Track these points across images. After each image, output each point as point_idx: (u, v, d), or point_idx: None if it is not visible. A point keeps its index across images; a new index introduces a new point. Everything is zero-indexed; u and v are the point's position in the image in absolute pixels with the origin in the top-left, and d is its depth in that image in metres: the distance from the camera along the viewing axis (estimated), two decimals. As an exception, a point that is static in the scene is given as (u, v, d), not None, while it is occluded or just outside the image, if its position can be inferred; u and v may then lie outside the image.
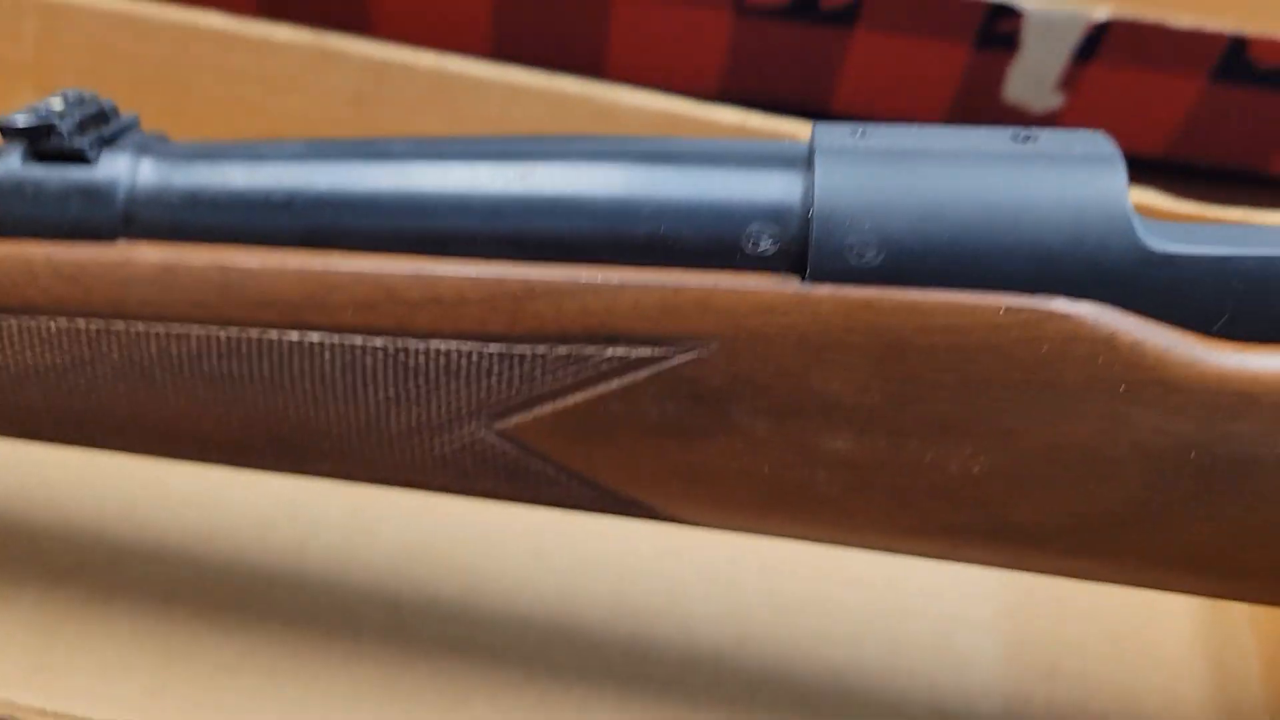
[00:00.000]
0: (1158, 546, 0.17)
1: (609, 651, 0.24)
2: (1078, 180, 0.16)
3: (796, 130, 0.29)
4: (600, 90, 0.30)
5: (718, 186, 0.17)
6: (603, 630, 0.25)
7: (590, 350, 0.17)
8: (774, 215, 0.17)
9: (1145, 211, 0.29)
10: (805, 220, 0.17)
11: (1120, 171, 0.16)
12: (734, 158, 0.18)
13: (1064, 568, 0.18)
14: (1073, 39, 0.36)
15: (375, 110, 0.31)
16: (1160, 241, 0.16)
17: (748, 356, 0.17)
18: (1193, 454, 0.17)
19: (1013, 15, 0.36)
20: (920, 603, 0.26)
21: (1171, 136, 0.39)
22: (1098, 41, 0.36)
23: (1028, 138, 0.17)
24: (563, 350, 0.17)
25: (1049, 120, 0.38)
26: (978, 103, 0.38)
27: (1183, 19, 0.35)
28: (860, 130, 0.18)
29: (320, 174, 0.18)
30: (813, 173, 0.17)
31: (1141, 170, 0.40)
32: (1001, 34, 0.36)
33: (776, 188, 0.17)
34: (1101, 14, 0.35)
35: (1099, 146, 0.17)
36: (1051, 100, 0.38)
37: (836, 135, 0.17)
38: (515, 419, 0.18)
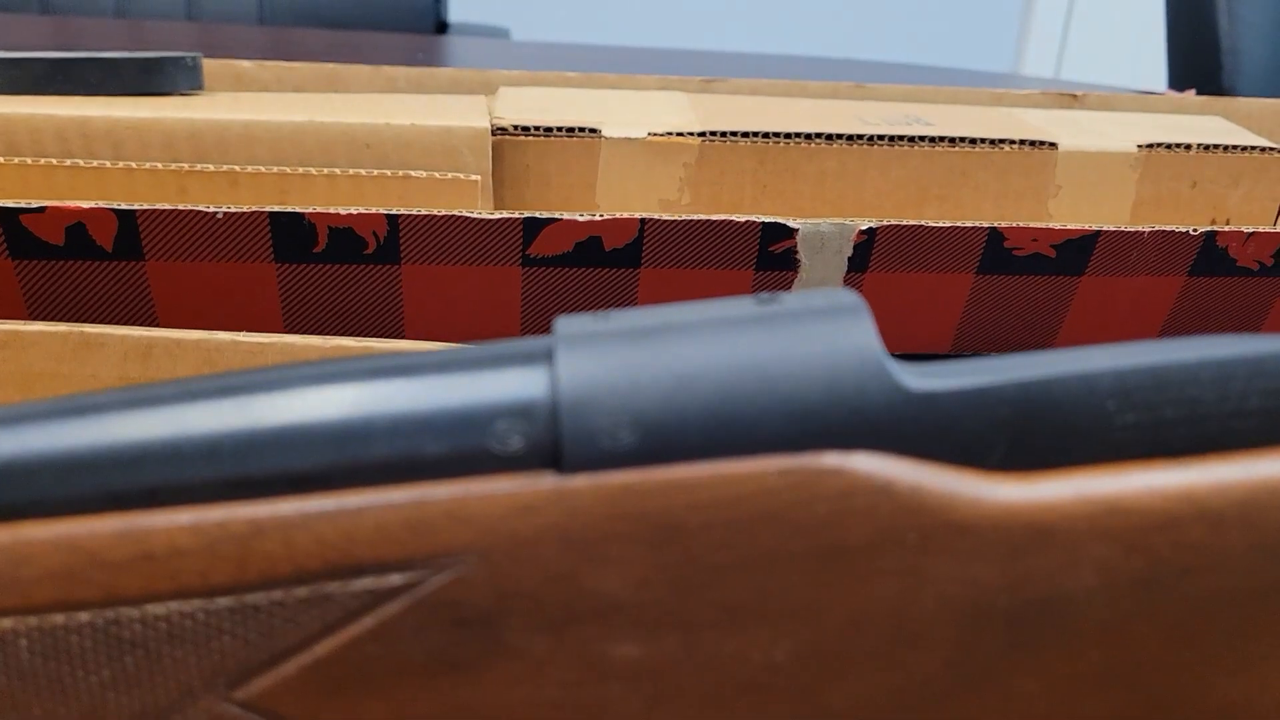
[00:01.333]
0: (987, 711, 0.16)
1: None
2: (826, 331, 0.16)
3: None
4: (379, 345, 0.29)
5: (456, 392, 0.16)
6: None
7: (333, 587, 0.15)
8: (520, 411, 0.16)
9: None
10: (553, 410, 0.16)
11: (865, 317, 0.16)
12: (472, 361, 0.16)
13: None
14: (845, 250, 0.37)
15: (144, 396, 0.29)
16: (919, 381, 0.16)
17: (510, 566, 0.15)
18: (1000, 600, 0.15)
19: (786, 234, 0.37)
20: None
21: (956, 330, 0.40)
22: (869, 249, 0.37)
23: (771, 299, 0.17)
24: (302, 592, 0.15)
25: (842, 330, 0.39)
26: (771, 322, 0.39)
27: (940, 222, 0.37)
28: (603, 315, 0.17)
29: (9, 438, 0.16)
30: (555, 362, 0.16)
31: (939, 367, 0.41)
32: (779, 254, 0.37)
33: (520, 382, 0.16)
34: (866, 223, 0.37)
35: (842, 298, 0.17)
36: (840, 311, 0.39)
37: (578, 322, 0.17)
38: (257, 683, 0.15)
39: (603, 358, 0.16)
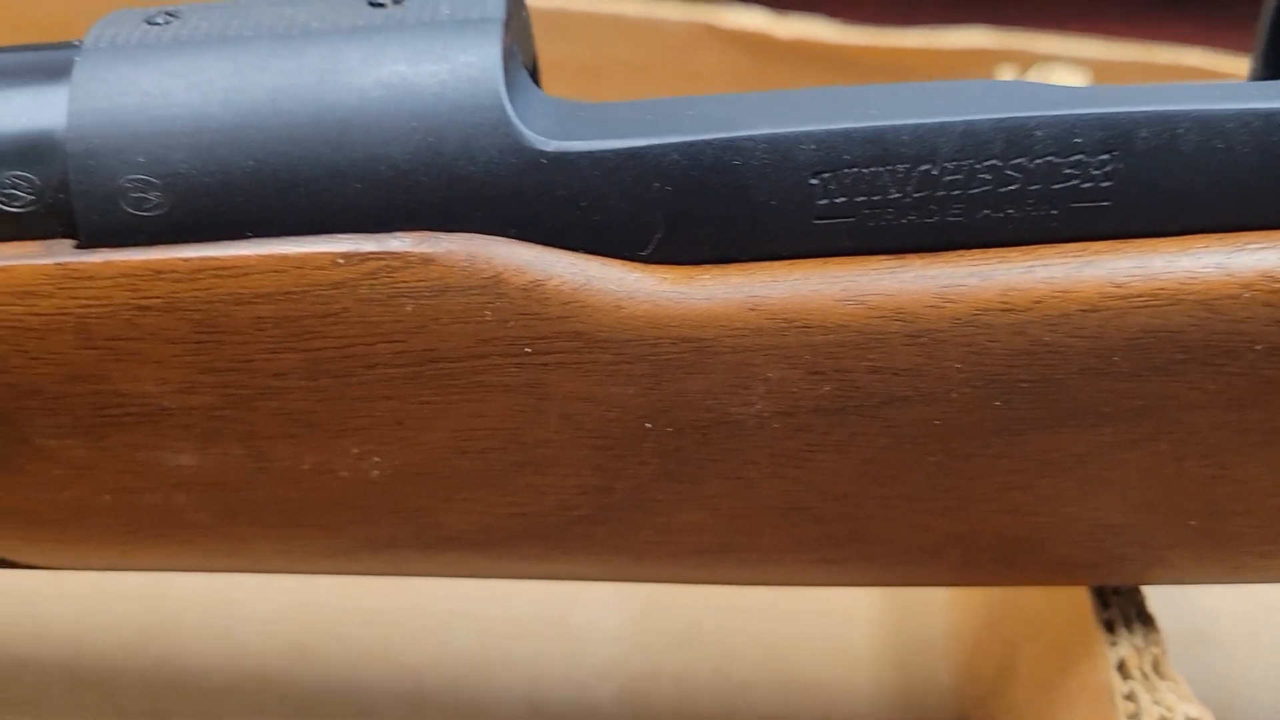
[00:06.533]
0: (643, 540, 0.13)
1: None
2: (434, 63, 0.11)
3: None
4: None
5: None
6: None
7: None
8: (29, 155, 0.12)
9: (803, 49, 0.24)
10: (61, 153, 0.12)
11: (494, 42, 0.11)
12: None
13: (539, 572, 0.14)
14: None
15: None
16: (551, 136, 0.11)
17: (21, 360, 0.12)
18: (647, 425, 0.12)
19: None
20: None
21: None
22: None
23: (390, 1, 0.12)
24: None
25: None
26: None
27: None
28: (164, 15, 0.12)
29: None
30: (73, 83, 0.12)
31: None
32: None
33: (29, 113, 0.12)
34: None
35: (478, 7, 0.12)
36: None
37: (124, 25, 0.12)
38: None
39: (132, 84, 0.11)
